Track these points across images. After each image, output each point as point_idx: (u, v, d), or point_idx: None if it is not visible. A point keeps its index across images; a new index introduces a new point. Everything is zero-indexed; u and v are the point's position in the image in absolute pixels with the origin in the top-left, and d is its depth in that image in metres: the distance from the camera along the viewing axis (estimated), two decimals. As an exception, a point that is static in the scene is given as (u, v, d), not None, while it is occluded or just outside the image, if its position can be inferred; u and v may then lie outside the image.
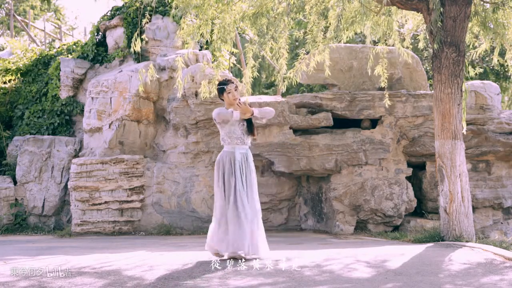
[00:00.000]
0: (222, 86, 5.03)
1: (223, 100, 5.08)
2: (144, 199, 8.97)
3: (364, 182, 8.69)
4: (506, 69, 14.43)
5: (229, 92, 4.99)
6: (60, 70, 10.53)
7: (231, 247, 4.74)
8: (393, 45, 7.83)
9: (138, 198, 8.90)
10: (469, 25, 6.95)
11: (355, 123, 9.07)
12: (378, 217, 8.72)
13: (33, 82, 11.05)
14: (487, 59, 14.51)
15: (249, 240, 4.75)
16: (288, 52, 7.18)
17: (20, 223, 9.39)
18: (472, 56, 7.90)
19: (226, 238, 4.77)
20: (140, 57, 10.01)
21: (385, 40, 7.61)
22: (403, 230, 8.58)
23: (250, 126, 5.01)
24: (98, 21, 11.09)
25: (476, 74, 7.46)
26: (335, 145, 8.68)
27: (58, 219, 9.58)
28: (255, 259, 4.70)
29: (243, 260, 4.67)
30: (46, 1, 23.95)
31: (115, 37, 10.62)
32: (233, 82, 5.05)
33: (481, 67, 13.87)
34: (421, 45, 8.21)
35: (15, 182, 9.61)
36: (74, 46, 11.37)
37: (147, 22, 7.96)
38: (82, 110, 10.25)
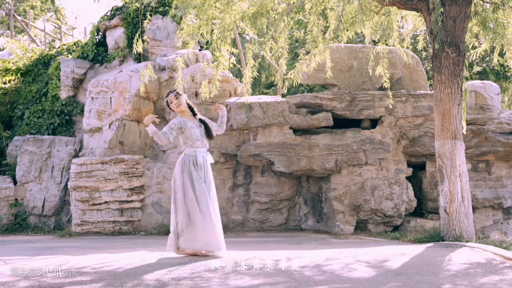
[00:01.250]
0: (166, 100, 5.40)
1: (174, 111, 5.42)
2: (144, 199, 8.97)
3: (364, 182, 8.69)
4: (506, 69, 14.43)
5: (170, 102, 5.36)
6: (60, 70, 10.53)
7: (198, 244, 5.01)
8: (393, 45, 7.83)
9: (138, 198, 8.90)
10: (469, 25, 6.95)
11: (355, 123, 9.07)
12: (378, 217, 8.72)
13: (33, 82, 11.05)
14: (487, 59, 14.51)
15: (214, 237, 5.05)
16: (288, 52, 7.19)
17: (20, 223, 9.39)
18: (472, 56, 7.90)
19: (192, 237, 5.02)
20: (141, 57, 10.01)
21: (385, 40, 7.62)
22: (403, 230, 8.58)
23: (207, 129, 5.35)
24: (98, 21, 11.10)
25: (471, 73, 7.45)
26: (335, 145, 8.68)
27: (58, 219, 9.58)
28: (219, 256, 4.97)
29: (210, 256, 4.99)
30: (50, 0, 23.91)
31: (115, 37, 10.62)
32: (172, 91, 5.39)
33: (480, 67, 13.86)
34: (420, 45, 8.21)
35: (15, 182, 9.61)
36: (74, 46, 11.38)
37: (148, 23, 7.96)
38: (82, 110, 10.25)
